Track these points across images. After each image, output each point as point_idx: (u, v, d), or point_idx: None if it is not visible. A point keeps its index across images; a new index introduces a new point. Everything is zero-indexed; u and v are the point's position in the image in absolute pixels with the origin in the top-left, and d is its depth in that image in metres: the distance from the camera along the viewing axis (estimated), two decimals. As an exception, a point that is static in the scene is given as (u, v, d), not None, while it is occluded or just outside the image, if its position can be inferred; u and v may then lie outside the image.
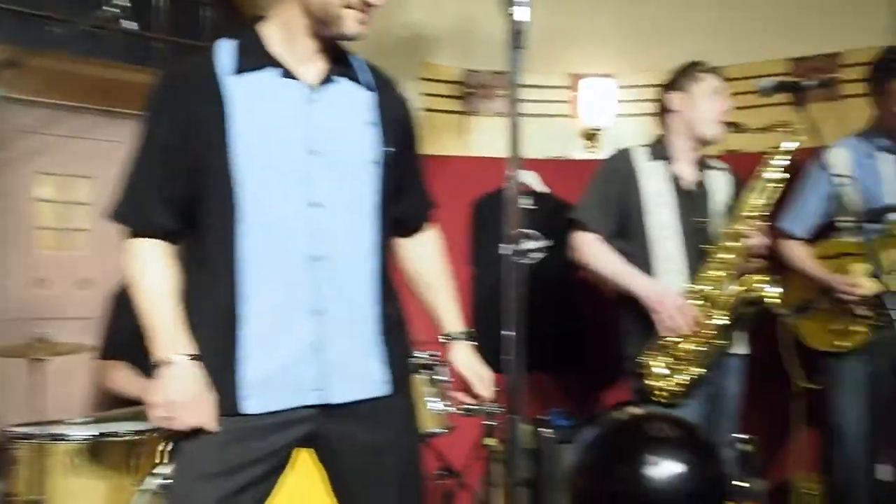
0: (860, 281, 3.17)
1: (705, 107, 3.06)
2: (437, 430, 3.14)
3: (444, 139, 4.38)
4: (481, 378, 2.11)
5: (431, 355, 3.15)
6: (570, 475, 2.76)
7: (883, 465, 3.36)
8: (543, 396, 4.24)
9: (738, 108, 3.40)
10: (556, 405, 4.14)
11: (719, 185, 3.14)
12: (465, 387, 2.14)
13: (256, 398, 1.82)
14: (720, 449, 2.79)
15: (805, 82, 2.90)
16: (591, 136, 4.49)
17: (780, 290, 2.89)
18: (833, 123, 3.79)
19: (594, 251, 3.04)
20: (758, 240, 2.94)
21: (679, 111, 3.08)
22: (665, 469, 2.52)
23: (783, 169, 2.95)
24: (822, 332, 3.46)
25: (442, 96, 4.41)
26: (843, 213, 3.25)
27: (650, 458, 2.53)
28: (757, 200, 2.97)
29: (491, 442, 3.18)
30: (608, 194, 3.04)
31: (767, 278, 2.90)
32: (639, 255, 3.01)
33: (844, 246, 3.37)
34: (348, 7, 1.83)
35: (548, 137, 4.44)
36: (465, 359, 2.13)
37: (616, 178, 3.05)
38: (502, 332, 1.74)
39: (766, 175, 2.96)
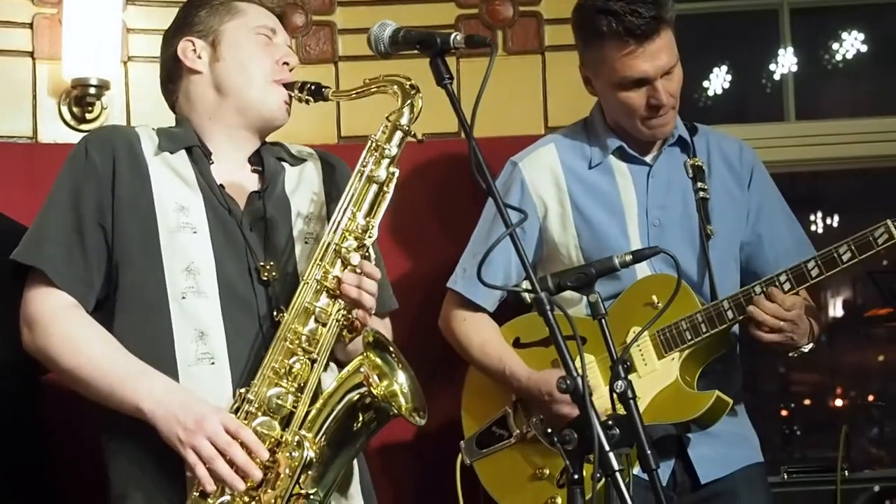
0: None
1: (252, 58, 2.35)
2: None
3: None
4: None
5: None
6: None
7: None
8: None
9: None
10: None
11: (303, 193, 2.42)
12: None
13: None
14: None
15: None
16: (82, 98, 3.23)
17: (406, 381, 2.17)
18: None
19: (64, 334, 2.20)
20: (356, 290, 2.19)
21: (200, 71, 2.38)
22: None
23: (393, 159, 2.27)
24: (519, 482, 2.74)
25: None
26: (552, 267, 2.63)
27: None
28: (356, 217, 2.24)
29: None
30: (82, 212, 2.25)
31: (380, 361, 2.17)
32: (140, 330, 2.21)
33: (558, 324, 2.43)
34: None
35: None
36: None
37: (95, 178, 2.26)
38: None
39: (368, 170, 2.26)
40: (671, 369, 2.63)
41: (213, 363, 2.20)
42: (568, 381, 1.89)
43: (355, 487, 2.31)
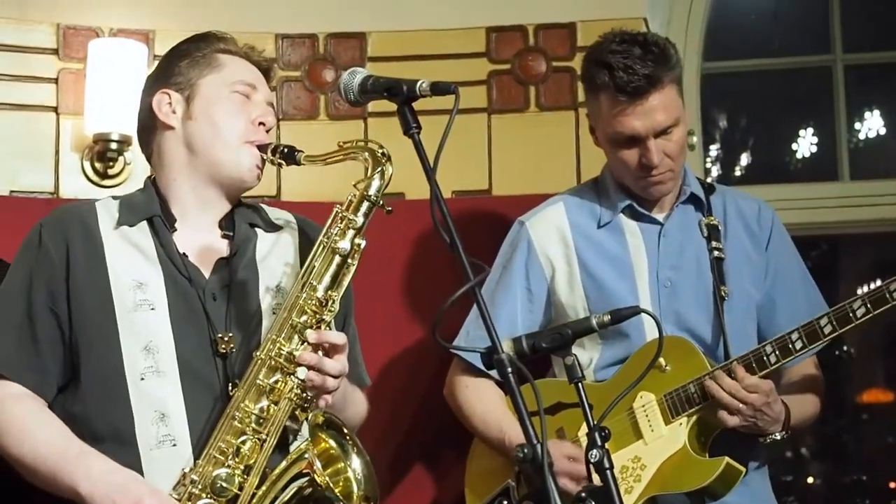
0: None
1: (225, 117, 2.27)
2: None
3: None
4: None
5: None
6: None
7: None
8: None
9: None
10: None
11: (274, 262, 2.33)
12: None
13: None
14: None
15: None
16: (103, 153, 3.26)
17: (360, 467, 2.08)
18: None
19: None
20: (318, 366, 2.11)
21: (173, 127, 2.29)
22: None
23: (359, 230, 2.18)
24: None
25: None
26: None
27: None
28: (316, 290, 2.15)
29: None
30: (33, 300, 2.20)
31: (333, 443, 2.10)
32: (102, 414, 2.15)
33: (561, 390, 2.50)
34: None
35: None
36: None
37: (47, 265, 2.21)
38: None
39: (331, 242, 2.19)
40: (678, 435, 2.55)
41: (174, 445, 2.13)
42: (526, 450, 1.78)
43: None
